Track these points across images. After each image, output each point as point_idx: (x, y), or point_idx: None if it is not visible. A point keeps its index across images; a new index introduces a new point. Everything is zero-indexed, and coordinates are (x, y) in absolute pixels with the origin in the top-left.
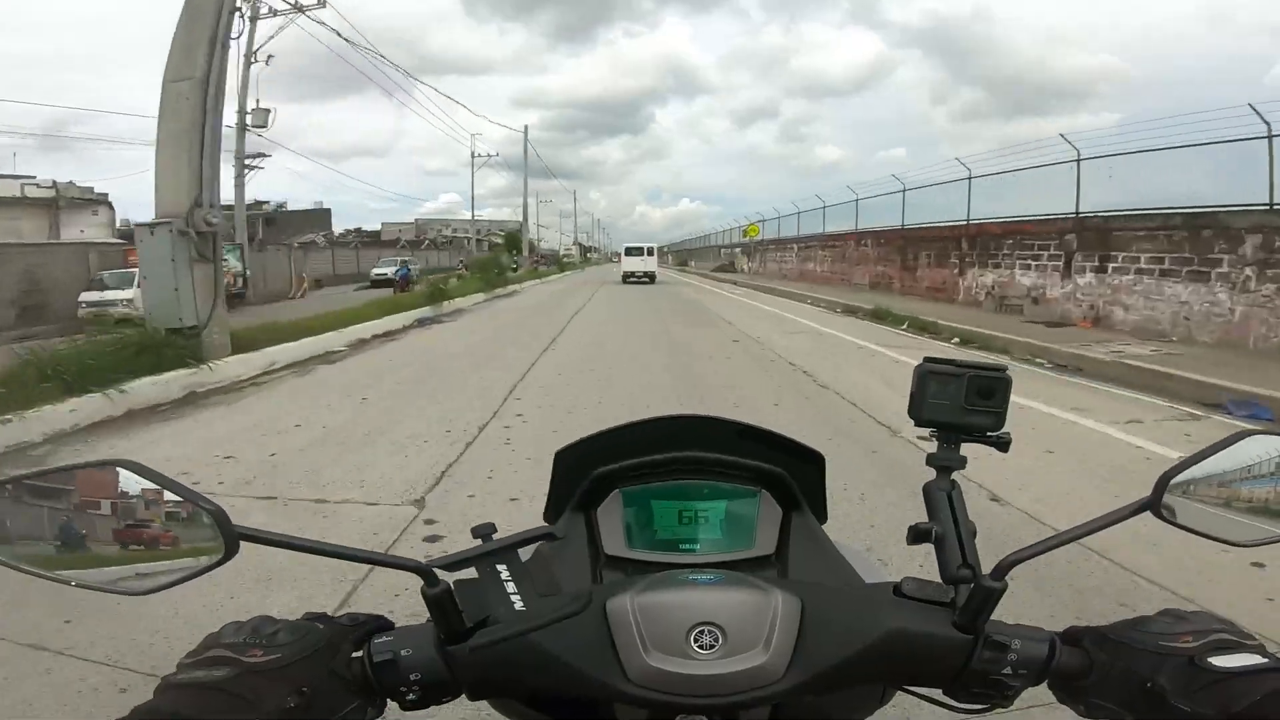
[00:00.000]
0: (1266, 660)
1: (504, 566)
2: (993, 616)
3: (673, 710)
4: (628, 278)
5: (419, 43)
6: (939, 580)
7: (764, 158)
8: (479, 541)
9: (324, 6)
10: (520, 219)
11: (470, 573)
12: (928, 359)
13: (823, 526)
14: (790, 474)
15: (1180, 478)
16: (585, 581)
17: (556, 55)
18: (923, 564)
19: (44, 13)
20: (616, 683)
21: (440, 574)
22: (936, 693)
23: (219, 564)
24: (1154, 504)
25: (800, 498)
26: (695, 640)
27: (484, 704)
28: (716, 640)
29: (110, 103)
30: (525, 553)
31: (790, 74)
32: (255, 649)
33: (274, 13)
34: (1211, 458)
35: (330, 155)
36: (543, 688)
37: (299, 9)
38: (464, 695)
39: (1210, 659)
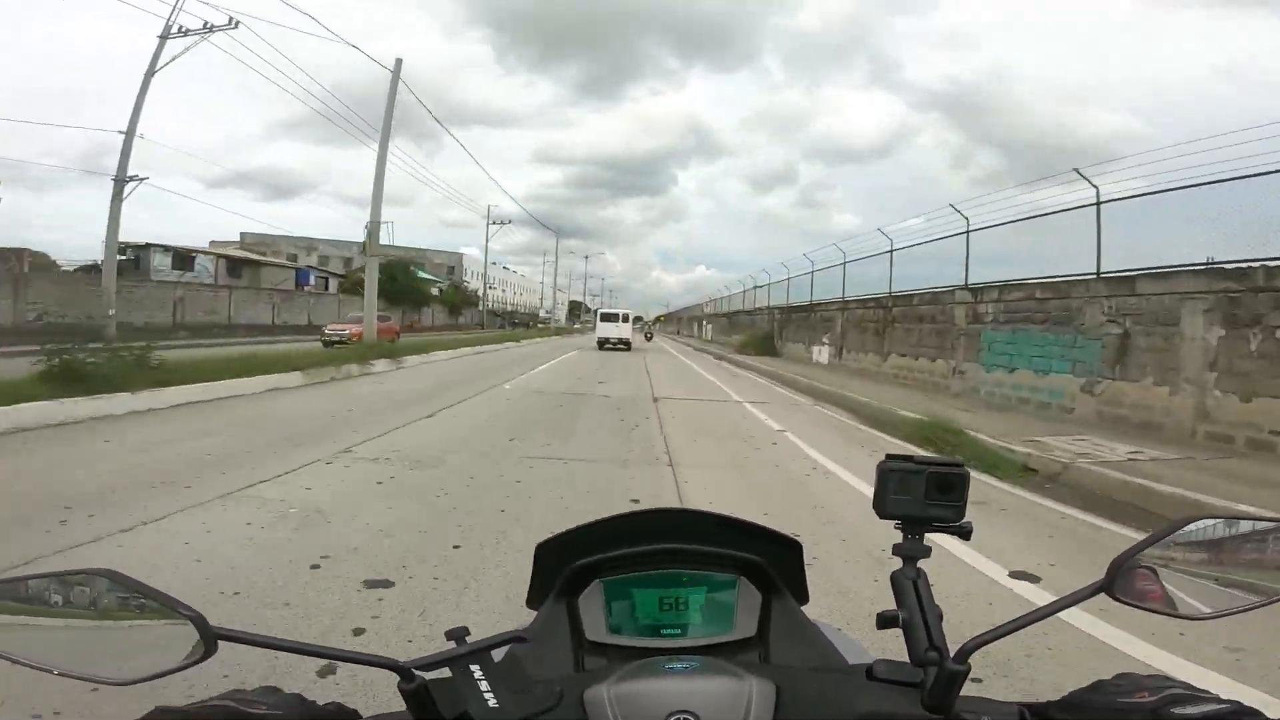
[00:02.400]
0: (1227, 705)
1: (477, 666)
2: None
3: None
4: (603, 344)
5: (445, 92)
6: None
7: (779, 222)
8: (453, 644)
9: (235, 27)
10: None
11: (444, 672)
12: (889, 456)
13: (803, 608)
14: (768, 560)
15: (1133, 560)
16: (567, 667)
17: (581, 110)
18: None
19: None
20: None
21: (416, 673)
22: None
23: (198, 662)
24: (1108, 586)
25: (779, 582)
26: None
27: None
28: None
29: None
30: (498, 653)
31: (809, 137)
32: (259, 704)
33: (185, 31)
34: (1161, 541)
35: (358, 201)
36: None
37: (210, 29)
38: None
39: (1173, 710)
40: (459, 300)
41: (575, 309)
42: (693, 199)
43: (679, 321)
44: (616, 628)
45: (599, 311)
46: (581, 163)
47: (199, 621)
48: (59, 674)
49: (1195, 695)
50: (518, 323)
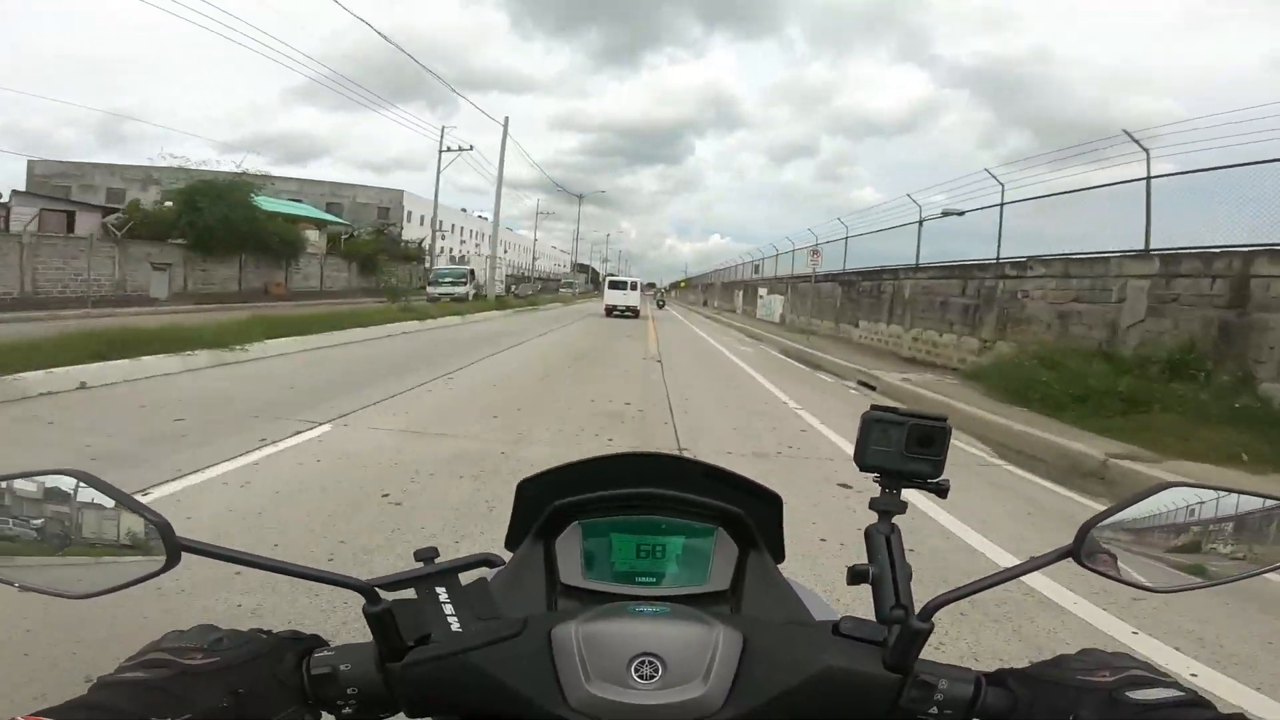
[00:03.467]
0: (1183, 694)
1: (443, 589)
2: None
3: None
4: (611, 311)
5: (461, 57)
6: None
7: (799, 196)
8: (420, 564)
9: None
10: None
11: (410, 594)
12: (874, 407)
13: (779, 566)
14: (748, 514)
15: (1101, 525)
16: (540, 608)
17: (600, 78)
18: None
19: None
20: (556, 708)
21: (381, 593)
22: None
23: (159, 573)
24: (1075, 551)
25: (757, 537)
26: (636, 670)
27: None
28: (657, 671)
29: None
30: (467, 579)
31: (833, 111)
32: (195, 653)
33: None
34: (1132, 507)
35: (377, 167)
36: (482, 709)
37: None
38: (402, 714)
39: (1128, 693)
40: (378, 252)
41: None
42: (710, 169)
43: (705, 290)
44: (592, 572)
45: (607, 279)
46: (599, 129)
47: (164, 529)
48: (20, 588)
49: (1154, 679)
50: (516, 292)
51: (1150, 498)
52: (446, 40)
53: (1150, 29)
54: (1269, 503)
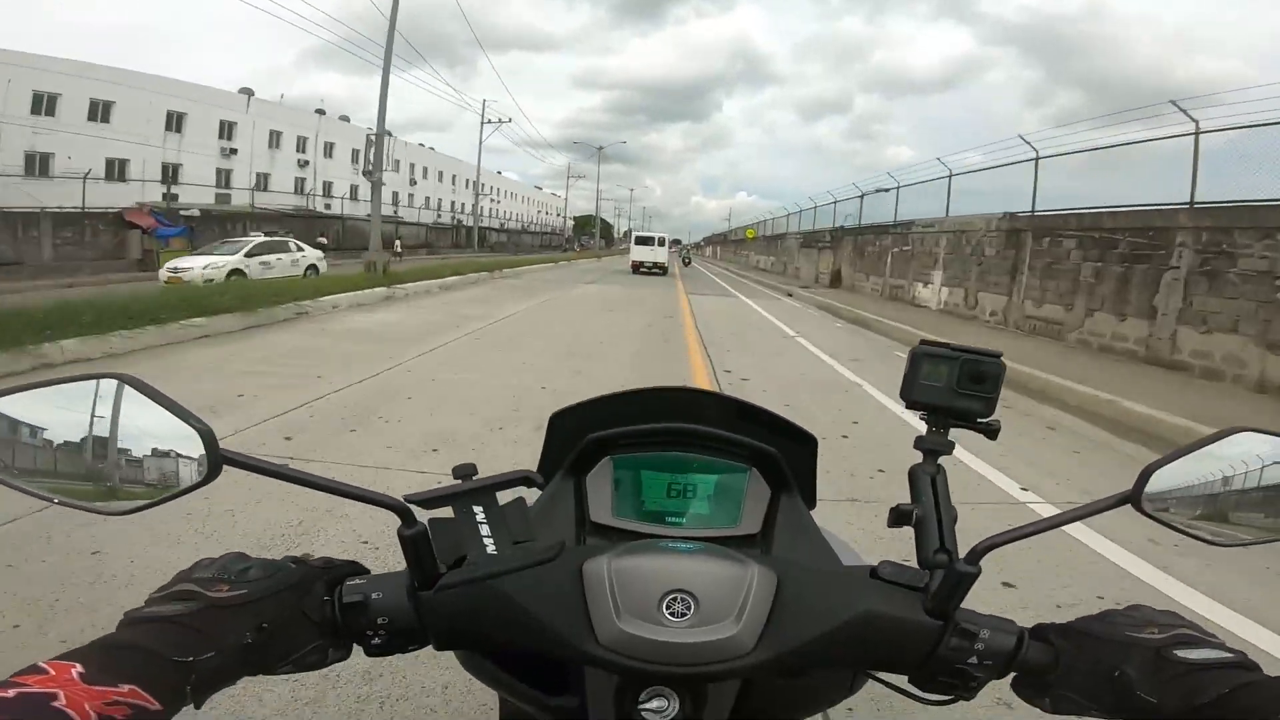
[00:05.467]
0: (1231, 655)
1: (480, 508)
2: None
3: (641, 679)
4: (637, 268)
5: (480, 13)
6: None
7: (828, 153)
8: (459, 481)
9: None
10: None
11: (447, 512)
12: (923, 341)
13: (811, 513)
14: (782, 454)
15: (1163, 471)
16: (571, 544)
17: (623, 33)
18: (909, 551)
19: None
20: (585, 644)
21: (417, 514)
22: (902, 682)
23: (200, 485)
24: (1135, 497)
25: (790, 479)
26: (668, 608)
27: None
28: (689, 609)
29: None
30: (504, 498)
31: (868, 67)
32: (223, 584)
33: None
34: (1196, 453)
35: (396, 127)
36: (511, 642)
37: None
38: (431, 646)
39: (1176, 652)
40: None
41: (585, 227)
42: (737, 126)
43: (728, 245)
44: (622, 510)
45: (634, 234)
46: (622, 87)
47: (208, 437)
48: (59, 503)
49: (1203, 638)
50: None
51: (1217, 442)
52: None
53: None
54: None
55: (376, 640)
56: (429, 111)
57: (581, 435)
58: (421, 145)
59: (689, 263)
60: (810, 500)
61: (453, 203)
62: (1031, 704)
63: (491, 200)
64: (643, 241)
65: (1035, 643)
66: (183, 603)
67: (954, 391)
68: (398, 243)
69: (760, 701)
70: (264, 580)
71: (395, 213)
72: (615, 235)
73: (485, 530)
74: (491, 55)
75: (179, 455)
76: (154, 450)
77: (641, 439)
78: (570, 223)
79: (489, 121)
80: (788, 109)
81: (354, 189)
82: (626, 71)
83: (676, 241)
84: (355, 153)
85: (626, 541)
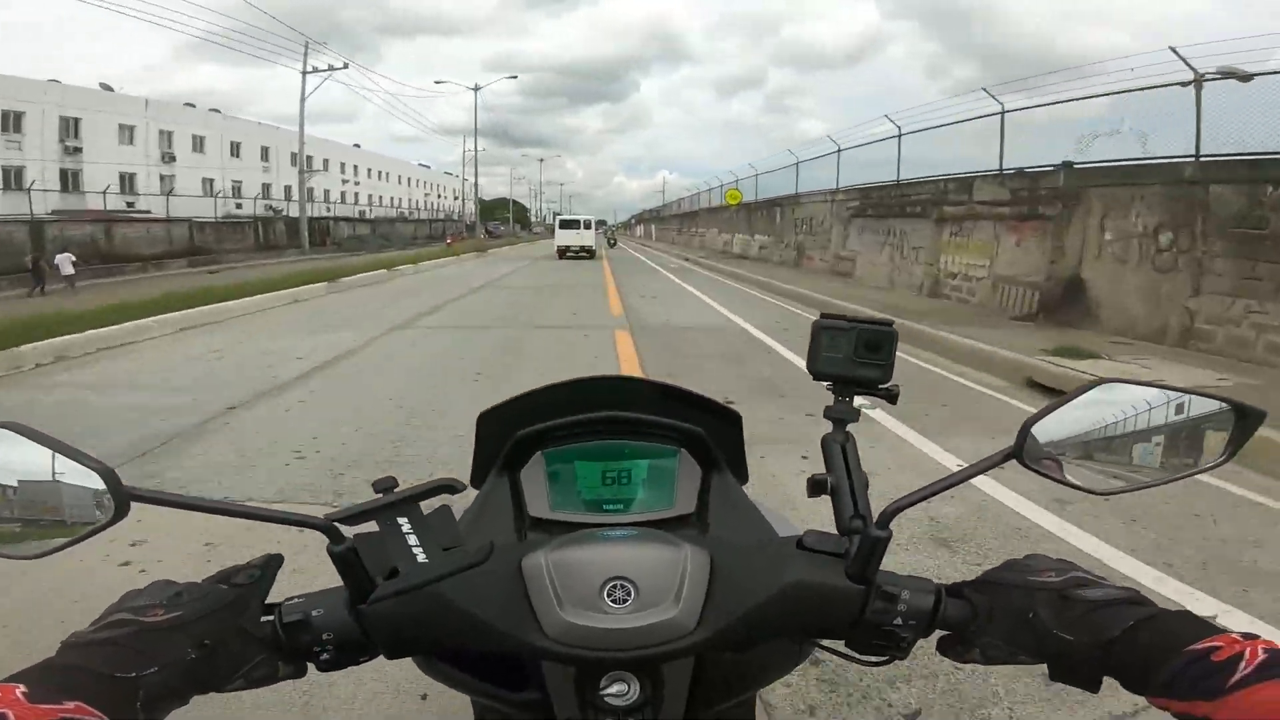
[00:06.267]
0: (1124, 592)
1: (405, 520)
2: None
3: (597, 666)
4: (563, 253)
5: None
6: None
7: (745, 129)
8: (380, 495)
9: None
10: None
11: (373, 527)
12: (823, 315)
13: (743, 487)
14: (709, 433)
15: (1040, 424)
16: (510, 542)
17: (536, 14)
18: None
19: None
20: (533, 638)
21: (344, 530)
22: (841, 646)
23: (109, 524)
24: (1018, 452)
25: (719, 457)
26: (608, 595)
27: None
28: (629, 595)
29: None
30: (429, 507)
31: (780, 43)
32: (157, 609)
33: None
34: (1068, 404)
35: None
36: (459, 644)
37: None
38: (382, 656)
39: (1077, 591)
40: None
41: (498, 212)
42: (656, 106)
43: (659, 223)
44: (559, 503)
45: (558, 218)
46: (538, 69)
47: (110, 478)
48: None
49: (1095, 580)
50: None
51: (1086, 393)
52: None
53: None
54: (1196, 399)
55: (325, 656)
56: (329, 102)
57: (509, 433)
58: (210, 110)
59: (614, 244)
60: (741, 475)
61: (266, 185)
62: (963, 660)
63: (347, 182)
64: (568, 225)
65: (952, 599)
66: (119, 629)
67: (853, 361)
68: (56, 258)
69: (715, 675)
70: (197, 602)
71: (123, 204)
72: (535, 218)
73: (413, 540)
74: (397, 42)
75: (84, 497)
76: (57, 495)
77: (570, 430)
78: (471, 207)
79: (314, 71)
80: (705, 87)
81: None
82: (542, 54)
83: (602, 223)
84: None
85: (567, 533)
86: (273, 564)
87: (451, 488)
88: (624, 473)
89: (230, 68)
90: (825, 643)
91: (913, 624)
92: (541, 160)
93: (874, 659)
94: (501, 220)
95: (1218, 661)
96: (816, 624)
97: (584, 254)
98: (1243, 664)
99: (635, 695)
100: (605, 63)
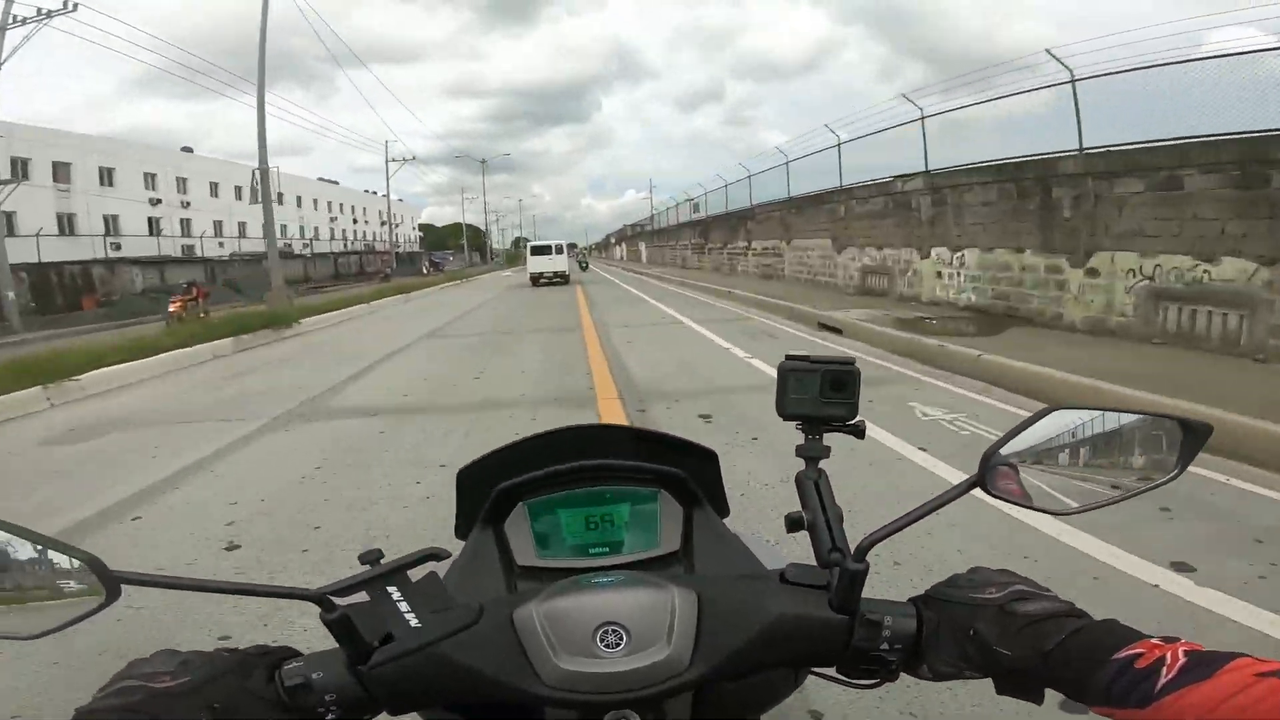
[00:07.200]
0: (1062, 605)
1: (394, 588)
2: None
3: (598, 709)
4: (537, 280)
5: (337, 25)
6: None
7: (708, 142)
8: (367, 567)
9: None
10: None
11: (363, 597)
12: (789, 356)
13: (725, 520)
14: (688, 472)
15: (1001, 453)
16: (500, 592)
17: (493, 37)
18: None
19: None
20: (532, 687)
21: (335, 600)
22: (834, 672)
23: (102, 608)
24: (981, 481)
25: (699, 494)
26: (601, 640)
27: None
28: (621, 639)
29: None
30: (416, 574)
31: (736, 53)
32: (164, 675)
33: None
34: (1024, 432)
35: (248, 155)
36: (462, 697)
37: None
38: (385, 713)
39: (1016, 605)
40: None
41: (443, 242)
42: (619, 124)
43: (629, 243)
44: (545, 550)
45: (529, 245)
46: (499, 94)
47: (97, 566)
48: None
49: (1036, 593)
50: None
51: (1039, 422)
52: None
53: None
54: (1144, 418)
55: (330, 716)
56: (283, 137)
57: (491, 486)
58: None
59: (586, 267)
60: (722, 509)
61: (153, 220)
62: (913, 675)
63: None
64: (539, 251)
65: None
66: (128, 696)
67: (820, 401)
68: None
69: (714, 706)
70: (203, 668)
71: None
72: (493, 246)
73: (404, 606)
74: (350, 72)
75: (75, 584)
76: (49, 584)
77: (550, 481)
78: (416, 234)
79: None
80: (666, 102)
81: None
82: (503, 77)
83: (573, 246)
84: None
85: (555, 579)
86: (284, 650)
87: (436, 556)
88: (607, 517)
89: (176, 102)
90: (819, 669)
91: (899, 648)
92: (484, 177)
93: (865, 682)
94: (455, 249)
95: (1142, 668)
96: (806, 653)
97: (558, 279)
98: (1165, 669)
99: None
100: (567, 83)
